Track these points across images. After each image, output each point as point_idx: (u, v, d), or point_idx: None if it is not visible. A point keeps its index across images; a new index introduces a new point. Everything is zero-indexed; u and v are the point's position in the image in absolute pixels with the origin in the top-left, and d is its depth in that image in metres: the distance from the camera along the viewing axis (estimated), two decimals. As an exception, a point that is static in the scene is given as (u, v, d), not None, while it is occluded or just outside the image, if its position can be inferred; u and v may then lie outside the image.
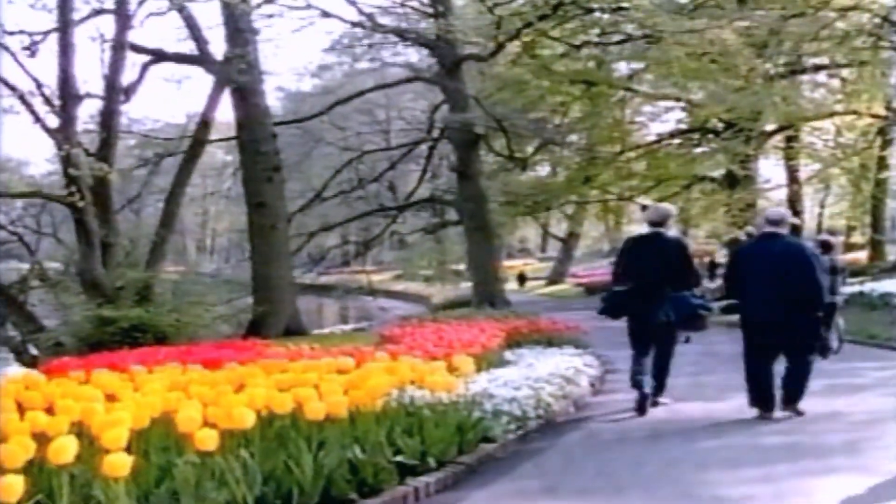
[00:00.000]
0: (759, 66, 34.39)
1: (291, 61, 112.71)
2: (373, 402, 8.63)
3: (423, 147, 41.25)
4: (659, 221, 12.65)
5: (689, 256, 12.74)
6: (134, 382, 9.19)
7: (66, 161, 21.84)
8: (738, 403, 11.84)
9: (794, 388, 11.46)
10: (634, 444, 10.48)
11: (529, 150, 42.42)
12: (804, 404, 11.55)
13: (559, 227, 68.48)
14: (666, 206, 13.68)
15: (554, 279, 66.06)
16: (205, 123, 25.96)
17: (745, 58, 31.16)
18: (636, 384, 12.14)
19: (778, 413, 11.43)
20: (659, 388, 12.55)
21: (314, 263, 44.86)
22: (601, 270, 67.13)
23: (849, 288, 27.50)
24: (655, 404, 12.37)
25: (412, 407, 9.68)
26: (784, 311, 11.13)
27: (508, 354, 16.68)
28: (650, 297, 12.05)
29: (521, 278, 67.06)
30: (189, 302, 25.03)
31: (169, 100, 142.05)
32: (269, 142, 27.62)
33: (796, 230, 37.09)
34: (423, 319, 22.68)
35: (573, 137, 46.04)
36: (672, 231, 13.37)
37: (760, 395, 11.51)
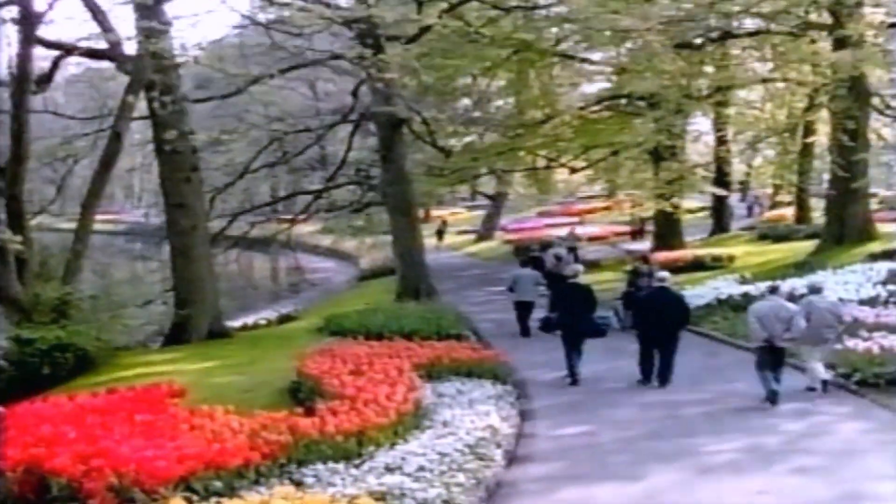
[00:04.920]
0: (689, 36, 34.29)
1: (207, 33, 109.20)
2: None
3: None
4: (574, 275, 22.02)
5: (593, 295, 20.95)
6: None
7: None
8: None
9: (667, 371, 19.08)
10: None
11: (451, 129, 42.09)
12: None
13: (489, 184, 67.77)
14: (576, 266, 24.69)
15: (483, 235, 65.74)
16: (117, 135, 25.14)
17: (671, 58, 31.03)
18: (571, 368, 19.98)
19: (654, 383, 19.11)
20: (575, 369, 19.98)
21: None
22: (531, 224, 67.37)
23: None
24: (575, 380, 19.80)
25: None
26: (668, 326, 19.02)
27: (428, 393, 16.71)
28: (575, 318, 20.26)
29: (440, 233, 66.32)
30: (111, 317, 24.70)
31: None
32: (186, 141, 26.85)
33: None
34: (345, 339, 22.54)
35: (500, 103, 45.87)
36: (582, 278, 22.26)
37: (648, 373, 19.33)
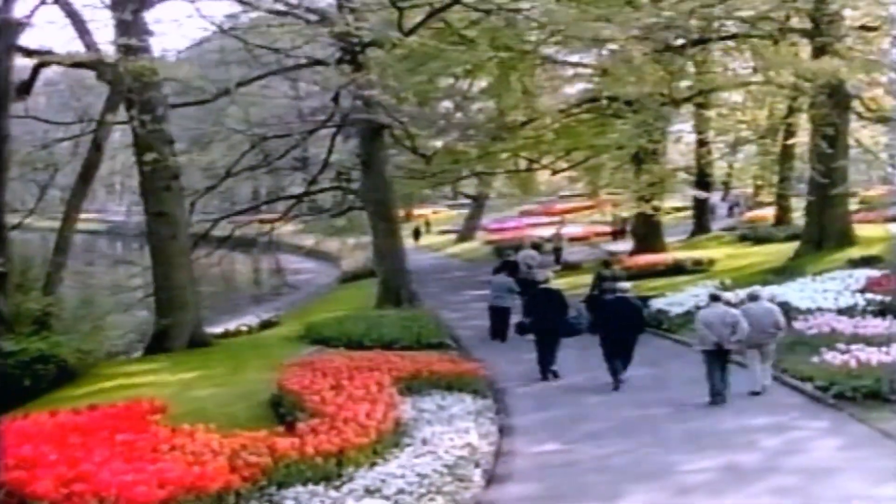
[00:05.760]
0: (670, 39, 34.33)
1: (189, 32, 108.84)
2: None
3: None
4: (546, 281, 24.21)
5: (564, 299, 22.82)
6: None
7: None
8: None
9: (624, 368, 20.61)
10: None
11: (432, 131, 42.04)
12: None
13: (471, 183, 67.65)
14: (545, 272, 28.73)
15: (464, 235, 65.87)
16: (97, 147, 25.06)
17: (651, 68, 31.12)
18: (543, 367, 21.71)
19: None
20: (551, 366, 21.72)
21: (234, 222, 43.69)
22: (513, 223, 67.46)
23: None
24: (555, 375, 21.70)
25: None
26: (626, 332, 20.77)
27: (408, 409, 16.84)
28: (548, 321, 21.91)
29: (416, 233, 66.36)
30: (92, 327, 24.67)
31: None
32: (167, 149, 26.75)
33: None
34: (325, 347, 22.86)
35: (481, 105, 45.82)
36: (553, 284, 24.20)
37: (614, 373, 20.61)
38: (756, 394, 18.78)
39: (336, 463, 13.59)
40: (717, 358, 18.64)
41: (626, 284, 23.42)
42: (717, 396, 18.48)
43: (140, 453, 13.67)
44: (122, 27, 24.92)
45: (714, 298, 19.71)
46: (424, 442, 14.99)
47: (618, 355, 20.65)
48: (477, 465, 14.16)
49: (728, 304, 20.05)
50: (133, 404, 17.25)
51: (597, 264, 39.66)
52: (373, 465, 13.83)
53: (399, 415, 16.03)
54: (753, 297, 20.25)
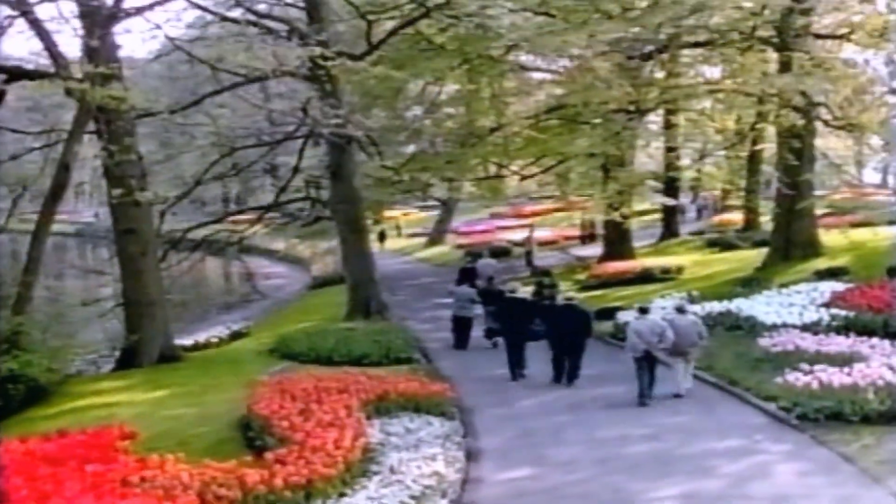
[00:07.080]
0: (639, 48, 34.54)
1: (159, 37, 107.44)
2: None
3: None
4: (513, 291, 26.68)
5: (531, 308, 25.57)
6: None
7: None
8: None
9: (575, 372, 22.70)
10: None
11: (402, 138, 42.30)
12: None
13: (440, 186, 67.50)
14: (513, 283, 30.90)
15: (435, 239, 65.87)
16: (65, 167, 25.00)
17: (617, 84, 31.31)
18: (513, 369, 23.70)
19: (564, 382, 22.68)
20: (522, 367, 23.80)
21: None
22: (483, 226, 67.52)
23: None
24: (523, 376, 23.63)
25: None
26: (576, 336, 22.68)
27: (375, 432, 17.04)
28: (518, 327, 23.98)
29: (381, 236, 66.29)
30: (63, 345, 24.71)
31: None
32: (135, 165, 26.60)
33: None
34: (295, 362, 23.36)
35: (451, 111, 45.92)
36: (521, 293, 27.41)
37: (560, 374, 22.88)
38: (678, 396, 20.77)
39: (305, 495, 13.69)
40: (646, 363, 20.60)
41: (571, 293, 28.33)
42: (643, 397, 20.48)
43: (110, 486, 13.73)
44: (90, 51, 24.81)
45: (643, 311, 21.63)
46: (392, 470, 15.10)
47: (566, 355, 22.78)
48: (444, 496, 14.30)
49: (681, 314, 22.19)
50: (103, 430, 17.29)
51: (567, 269, 40.36)
52: (341, 495, 13.94)
53: (367, 442, 16.14)
54: (680, 310, 22.36)
